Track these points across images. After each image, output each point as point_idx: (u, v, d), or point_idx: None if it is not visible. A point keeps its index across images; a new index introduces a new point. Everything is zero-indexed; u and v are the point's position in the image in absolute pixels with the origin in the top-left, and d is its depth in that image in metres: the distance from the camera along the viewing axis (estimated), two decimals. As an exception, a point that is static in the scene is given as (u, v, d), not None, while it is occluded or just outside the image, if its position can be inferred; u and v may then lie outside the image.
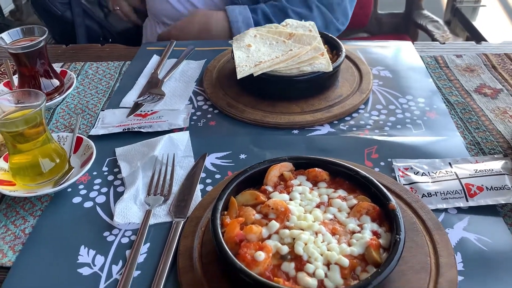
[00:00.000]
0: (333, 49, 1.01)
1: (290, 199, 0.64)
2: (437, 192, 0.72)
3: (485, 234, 0.66)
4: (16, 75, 0.99)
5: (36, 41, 0.91)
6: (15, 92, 0.76)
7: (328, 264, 0.55)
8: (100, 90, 1.04)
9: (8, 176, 0.77)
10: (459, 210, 0.70)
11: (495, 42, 1.19)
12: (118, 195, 0.75)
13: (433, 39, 1.91)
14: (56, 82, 0.98)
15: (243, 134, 0.88)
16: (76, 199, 0.75)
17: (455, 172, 0.75)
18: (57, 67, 1.06)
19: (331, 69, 0.91)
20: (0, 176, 0.76)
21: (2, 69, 1.13)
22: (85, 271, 0.63)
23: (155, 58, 1.15)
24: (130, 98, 1.00)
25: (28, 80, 0.94)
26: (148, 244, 0.66)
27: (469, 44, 1.18)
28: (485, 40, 1.52)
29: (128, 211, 0.71)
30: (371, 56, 1.12)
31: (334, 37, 1.03)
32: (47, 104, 0.95)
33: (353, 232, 0.59)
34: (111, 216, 0.71)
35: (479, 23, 1.85)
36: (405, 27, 2.25)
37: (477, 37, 1.74)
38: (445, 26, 2.00)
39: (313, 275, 0.54)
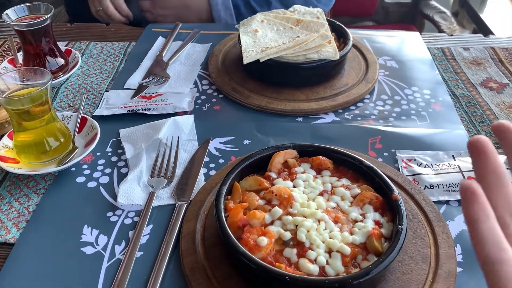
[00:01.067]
0: (340, 37, 1.01)
1: (294, 186, 0.65)
2: (440, 184, 0.72)
3: (485, 227, 0.66)
4: (21, 52, 0.98)
5: (42, 18, 0.90)
6: (21, 69, 0.75)
7: (329, 252, 0.56)
8: (104, 70, 1.04)
9: (13, 154, 0.77)
10: (460, 202, 0.70)
11: (502, 35, 1.18)
12: (121, 176, 0.75)
13: (440, 30, 1.90)
14: (61, 61, 0.98)
15: (248, 119, 0.88)
16: (80, 179, 0.75)
17: (458, 165, 0.75)
18: (61, 45, 1.06)
19: (338, 57, 0.91)
20: (5, 153, 0.76)
21: (6, 46, 1.13)
22: (88, 250, 0.64)
23: (160, 40, 1.14)
24: (134, 79, 0.99)
25: (33, 58, 0.94)
26: (151, 226, 0.67)
27: (477, 37, 1.17)
28: (492, 33, 1.51)
29: (132, 192, 0.71)
30: (378, 46, 1.11)
31: (342, 25, 1.02)
32: (51, 83, 0.94)
33: (355, 221, 0.60)
34: (114, 196, 0.71)
35: (487, 15, 1.84)
36: (412, 17, 2.24)
37: (484, 29, 1.72)
38: (452, 17, 1.99)
39: (314, 261, 0.55)
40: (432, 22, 2.03)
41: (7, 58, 1.04)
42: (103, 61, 1.07)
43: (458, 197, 0.70)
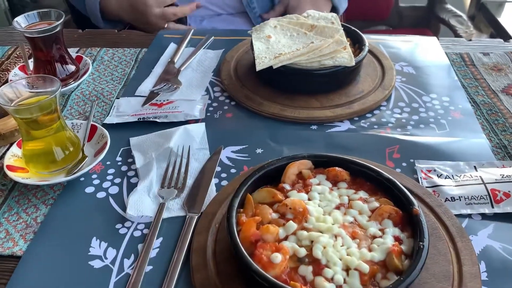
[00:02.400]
0: (356, 43, 0.98)
1: (309, 199, 0.62)
2: (461, 197, 0.69)
3: (511, 243, 0.63)
4: (32, 59, 0.97)
5: (52, 25, 0.89)
6: (30, 77, 0.74)
7: (347, 270, 0.53)
8: (115, 77, 1.02)
9: (21, 163, 0.75)
10: (484, 216, 0.67)
11: (524, 40, 1.14)
12: (131, 187, 0.73)
13: (456, 34, 1.86)
14: (71, 67, 0.97)
15: (260, 127, 0.86)
16: (89, 189, 0.73)
17: (480, 176, 0.72)
18: (72, 52, 1.05)
19: (353, 63, 0.88)
20: (13, 162, 0.75)
21: (17, 53, 1.12)
22: (97, 263, 0.62)
23: (172, 47, 1.12)
24: (146, 86, 0.98)
25: (43, 65, 0.93)
26: (161, 239, 0.65)
27: (497, 42, 1.13)
28: (511, 37, 1.47)
29: (141, 204, 0.69)
30: (394, 51, 1.08)
31: (357, 30, 1.00)
32: (61, 90, 0.93)
33: (374, 237, 0.57)
34: (124, 207, 0.70)
35: (505, 19, 1.79)
36: (427, 21, 2.20)
37: (502, 33, 1.68)
38: (469, 21, 1.95)
39: (331, 280, 0.52)
40: (448, 26, 1.98)
41: (18, 65, 1.03)
42: (114, 67, 1.06)
43: (482, 210, 0.67)
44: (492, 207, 0.67)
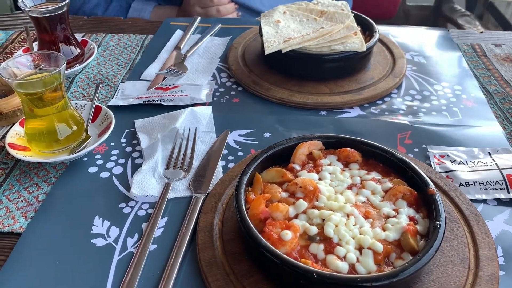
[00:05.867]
0: (366, 30, 0.96)
1: (319, 179, 0.60)
2: (476, 182, 0.67)
3: (528, 228, 0.61)
4: (36, 42, 0.95)
5: (57, 5, 0.87)
6: (34, 53, 0.72)
7: (360, 249, 0.51)
8: (121, 62, 1.01)
9: (23, 142, 0.74)
10: (499, 202, 0.65)
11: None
12: (135, 167, 0.71)
13: (464, 33, 1.84)
14: (76, 50, 0.95)
15: (268, 112, 0.84)
16: (92, 169, 0.72)
17: (495, 163, 0.70)
18: (78, 37, 1.03)
19: (364, 49, 0.86)
20: (16, 141, 0.73)
21: (21, 37, 1.10)
22: (99, 242, 0.60)
23: (178, 33, 1.11)
24: (151, 71, 0.96)
25: (47, 46, 0.91)
26: (165, 218, 0.63)
27: (508, 34, 1.11)
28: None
29: (146, 183, 0.67)
30: (404, 42, 1.06)
31: (367, 18, 0.98)
32: (66, 72, 0.91)
33: (387, 217, 0.55)
34: (128, 187, 0.68)
35: (514, 18, 1.78)
36: (434, 20, 2.18)
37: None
38: (477, 20, 1.93)
39: (343, 258, 0.50)
40: (456, 25, 1.96)
41: (22, 48, 1.02)
42: (119, 52, 1.04)
43: (497, 196, 0.65)
44: (508, 192, 0.65)
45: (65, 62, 0.69)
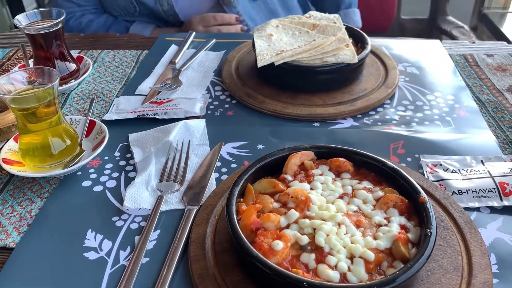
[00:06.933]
0: (358, 42, 0.97)
1: (311, 189, 0.60)
2: (469, 190, 0.67)
3: (521, 235, 0.61)
4: (32, 59, 0.96)
5: (53, 23, 0.88)
6: (28, 69, 0.73)
7: (351, 258, 0.51)
8: (116, 77, 1.02)
9: (17, 157, 0.74)
10: (493, 209, 0.65)
11: (527, 43, 1.13)
12: (129, 181, 0.71)
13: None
14: (72, 66, 0.96)
15: (262, 125, 0.84)
16: (86, 183, 0.72)
17: (488, 170, 0.70)
18: (74, 53, 1.04)
19: (356, 60, 0.87)
20: (9, 156, 0.74)
21: (18, 54, 1.12)
22: (91, 255, 0.59)
23: (173, 48, 1.12)
24: (146, 85, 0.97)
25: (43, 62, 0.92)
26: (158, 231, 0.63)
27: (500, 44, 1.13)
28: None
29: (139, 196, 0.67)
30: (397, 53, 1.07)
31: (359, 30, 0.99)
32: (61, 88, 0.92)
33: (379, 225, 0.55)
34: (121, 201, 0.68)
35: (507, 29, 1.79)
36: (429, 33, 2.20)
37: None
38: (471, 32, 1.95)
39: (335, 268, 0.50)
40: (451, 37, 1.98)
41: (18, 65, 1.03)
42: (114, 68, 1.05)
43: (490, 203, 0.65)
44: (501, 200, 0.65)
45: (59, 78, 0.69)
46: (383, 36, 2.44)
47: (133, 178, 0.71)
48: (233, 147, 0.79)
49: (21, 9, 3.04)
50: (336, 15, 1.02)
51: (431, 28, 2.20)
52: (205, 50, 1.11)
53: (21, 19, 0.91)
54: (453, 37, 1.98)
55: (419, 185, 0.65)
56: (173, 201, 0.67)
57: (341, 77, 0.90)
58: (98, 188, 0.71)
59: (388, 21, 2.20)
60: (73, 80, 0.95)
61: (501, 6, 1.97)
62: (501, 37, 1.75)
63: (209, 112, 0.89)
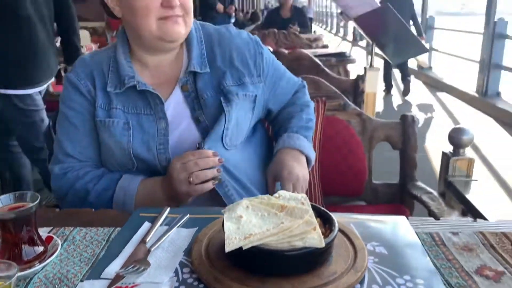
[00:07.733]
0: (326, 223, 1.00)
1: None
2: None
3: None
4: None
5: (25, 207, 0.90)
6: (-11, 261, 0.72)
7: None
8: (83, 258, 1.00)
9: None
10: None
11: (491, 219, 1.18)
12: None
13: (430, 211, 1.91)
14: (39, 249, 0.95)
15: (229, 314, 0.81)
16: None
17: None
18: (45, 231, 1.04)
19: (323, 245, 0.88)
20: None
21: (-12, 232, 1.11)
22: None
23: (146, 225, 1.13)
24: (112, 268, 0.95)
25: (9, 247, 0.91)
26: None
27: (464, 221, 1.17)
28: (481, 214, 1.53)
29: None
30: (366, 230, 1.10)
31: (326, 211, 1.03)
32: (24, 273, 0.90)
33: None
34: None
35: (473, 196, 1.88)
36: (401, 197, 2.29)
37: (472, 210, 1.74)
38: (440, 198, 2.03)
39: None
40: (421, 202, 2.06)
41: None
42: (84, 247, 1.04)
43: None
44: None
45: (17, 272, 0.68)
46: (358, 199, 2.50)
47: None
48: None
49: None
50: (304, 195, 1.06)
51: (402, 192, 2.29)
52: (178, 227, 1.12)
53: (-7, 203, 0.92)
54: (423, 202, 2.05)
55: None
56: None
57: (309, 261, 0.90)
58: None
59: (361, 186, 2.29)
60: (38, 263, 0.93)
61: (464, 174, 2.09)
62: (468, 204, 1.82)
63: (175, 298, 0.86)
